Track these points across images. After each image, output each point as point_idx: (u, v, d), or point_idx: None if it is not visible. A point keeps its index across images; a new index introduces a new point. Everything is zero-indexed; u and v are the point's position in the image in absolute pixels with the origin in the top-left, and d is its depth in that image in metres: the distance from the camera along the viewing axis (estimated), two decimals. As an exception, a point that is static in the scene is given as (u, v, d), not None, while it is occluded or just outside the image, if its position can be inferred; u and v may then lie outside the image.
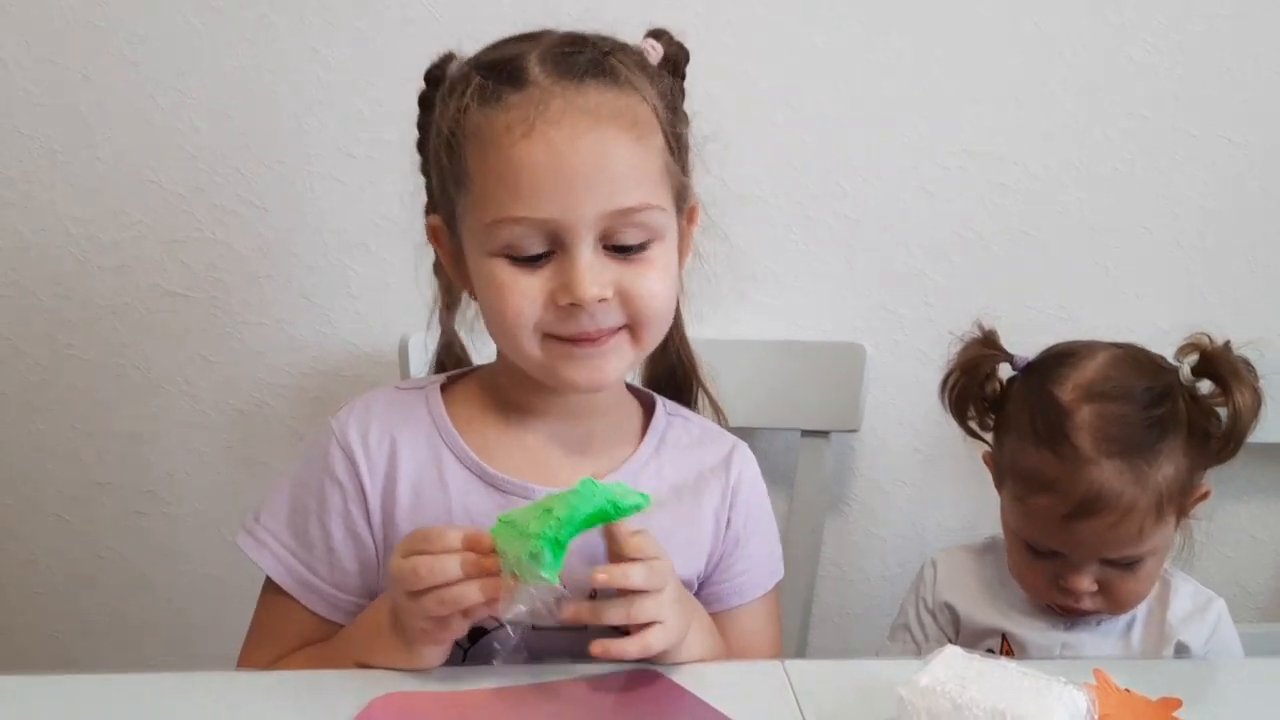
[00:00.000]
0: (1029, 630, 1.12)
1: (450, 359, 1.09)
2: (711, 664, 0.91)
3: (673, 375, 1.10)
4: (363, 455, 0.93)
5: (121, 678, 0.87)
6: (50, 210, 1.38)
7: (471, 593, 0.79)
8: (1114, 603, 1.06)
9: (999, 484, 1.13)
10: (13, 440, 1.48)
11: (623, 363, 0.91)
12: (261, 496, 0.98)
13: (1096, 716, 0.81)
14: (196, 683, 0.87)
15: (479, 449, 0.95)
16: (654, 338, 0.92)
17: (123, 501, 1.52)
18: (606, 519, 0.80)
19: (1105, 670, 0.88)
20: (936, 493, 1.58)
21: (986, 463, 1.17)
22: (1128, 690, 0.86)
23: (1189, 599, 1.13)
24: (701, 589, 1.01)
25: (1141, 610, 1.12)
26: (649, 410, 1.03)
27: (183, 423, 1.48)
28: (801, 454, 1.46)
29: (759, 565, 1.04)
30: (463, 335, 1.08)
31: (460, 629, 0.83)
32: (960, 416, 1.14)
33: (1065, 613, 1.09)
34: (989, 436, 1.15)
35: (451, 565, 0.80)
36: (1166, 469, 1.01)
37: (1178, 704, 0.84)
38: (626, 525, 0.84)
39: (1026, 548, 1.07)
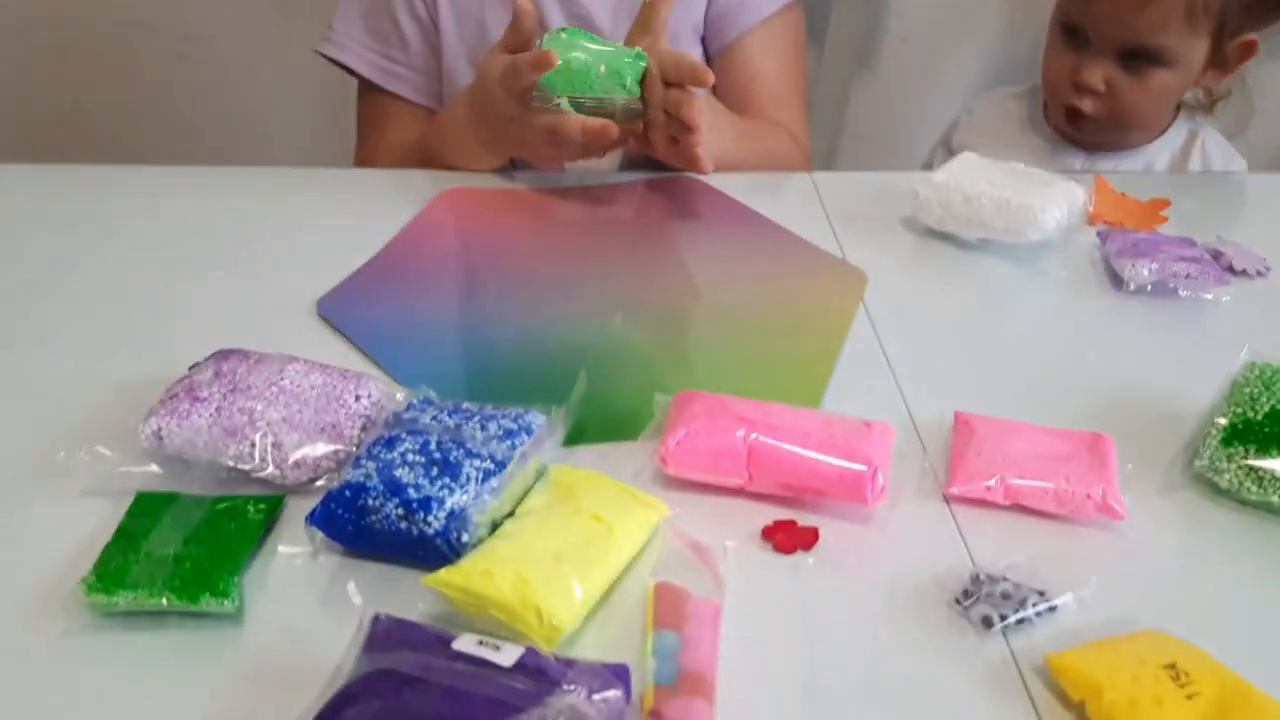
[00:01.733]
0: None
1: None
2: (746, 174, 0.98)
3: None
4: None
5: (191, 170, 0.96)
6: None
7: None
8: (1115, 108, 1.10)
9: None
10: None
11: None
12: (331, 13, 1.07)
13: (1090, 208, 0.90)
14: (272, 176, 0.96)
15: None
16: None
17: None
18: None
19: (1107, 180, 0.97)
20: (967, 50, 1.59)
21: None
22: (1123, 194, 0.95)
23: (1215, 152, 1.18)
24: (707, 24, 1.08)
25: (1163, 159, 1.18)
26: None
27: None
28: (834, 7, 1.46)
29: None
30: None
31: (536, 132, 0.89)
32: None
33: (1071, 121, 1.14)
34: None
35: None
36: None
37: (1166, 204, 0.93)
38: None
39: (1059, 31, 1.12)
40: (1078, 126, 1.14)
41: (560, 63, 0.83)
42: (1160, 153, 1.17)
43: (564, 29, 0.87)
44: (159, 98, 1.61)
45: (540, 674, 0.45)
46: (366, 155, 1.10)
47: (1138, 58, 1.07)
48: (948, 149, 1.27)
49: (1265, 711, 0.48)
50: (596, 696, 0.44)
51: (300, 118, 1.61)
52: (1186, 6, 1.03)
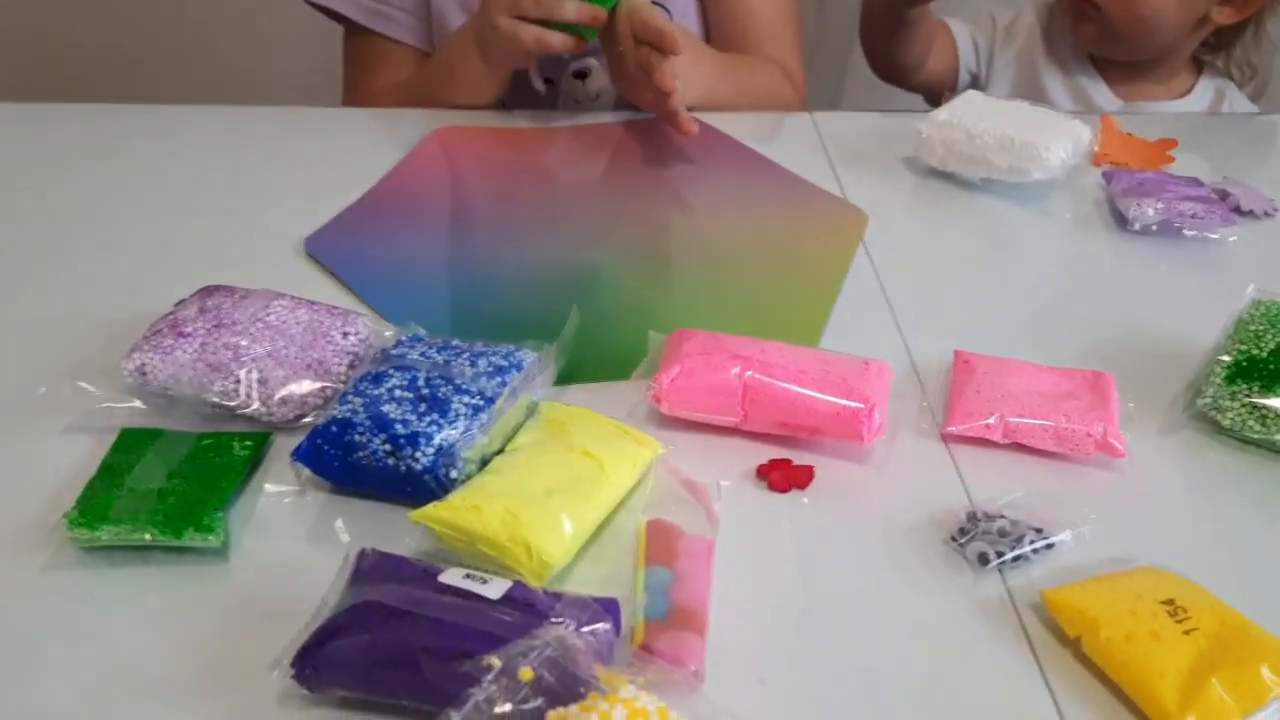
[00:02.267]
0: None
1: None
2: (747, 115, 0.97)
3: None
4: None
5: (181, 109, 0.94)
6: None
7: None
8: (1106, 24, 1.06)
9: None
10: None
11: None
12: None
13: (1096, 148, 0.88)
14: (260, 116, 0.95)
15: None
16: None
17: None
18: None
19: (1114, 119, 0.95)
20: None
21: None
22: (1130, 134, 0.93)
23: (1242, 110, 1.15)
24: None
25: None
26: None
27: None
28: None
29: None
30: None
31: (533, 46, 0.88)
32: None
33: (1077, 34, 1.11)
34: None
35: None
36: None
37: (1173, 144, 0.91)
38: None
39: None
40: (1082, 37, 1.10)
41: None
42: (1189, 110, 1.14)
43: None
44: (153, 41, 1.59)
45: (528, 606, 0.44)
46: (357, 93, 1.07)
47: None
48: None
49: (1264, 646, 0.48)
50: (585, 629, 0.43)
51: (293, 66, 1.59)
52: None
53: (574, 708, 0.39)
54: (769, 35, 1.09)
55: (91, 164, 0.85)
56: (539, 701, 0.39)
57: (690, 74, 0.90)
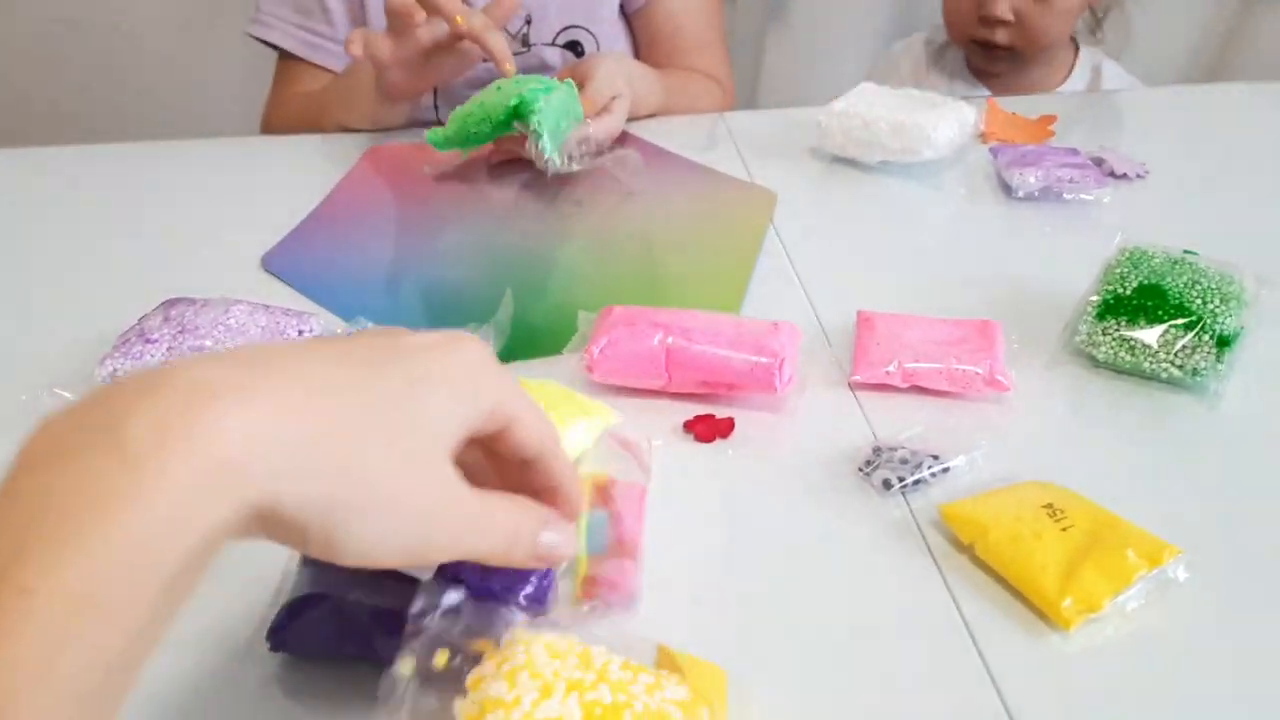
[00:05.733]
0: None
1: None
2: (671, 119, 1.04)
3: None
4: None
5: (108, 148, 0.99)
6: None
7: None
8: (1028, 35, 1.17)
9: None
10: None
11: None
12: None
13: (982, 128, 0.96)
14: (195, 150, 1.00)
15: None
16: None
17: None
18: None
19: (997, 102, 1.03)
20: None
21: None
22: (1013, 114, 1.01)
23: (1115, 82, 1.25)
24: None
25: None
26: None
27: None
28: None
29: None
30: None
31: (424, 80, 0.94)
32: None
33: (986, 55, 1.20)
34: None
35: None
36: None
37: (1053, 119, 1.00)
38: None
39: None
40: (991, 58, 1.19)
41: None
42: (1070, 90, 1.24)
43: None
44: (95, 84, 1.63)
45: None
46: (274, 104, 1.13)
47: None
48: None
49: (1130, 535, 0.54)
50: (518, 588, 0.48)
51: (232, 97, 1.64)
52: None
53: (489, 664, 0.42)
54: (697, 47, 1.16)
55: (55, 204, 0.90)
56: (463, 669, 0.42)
57: (639, 91, 0.98)
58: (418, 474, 0.37)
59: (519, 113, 0.83)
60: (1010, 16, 1.15)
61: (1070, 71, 1.23)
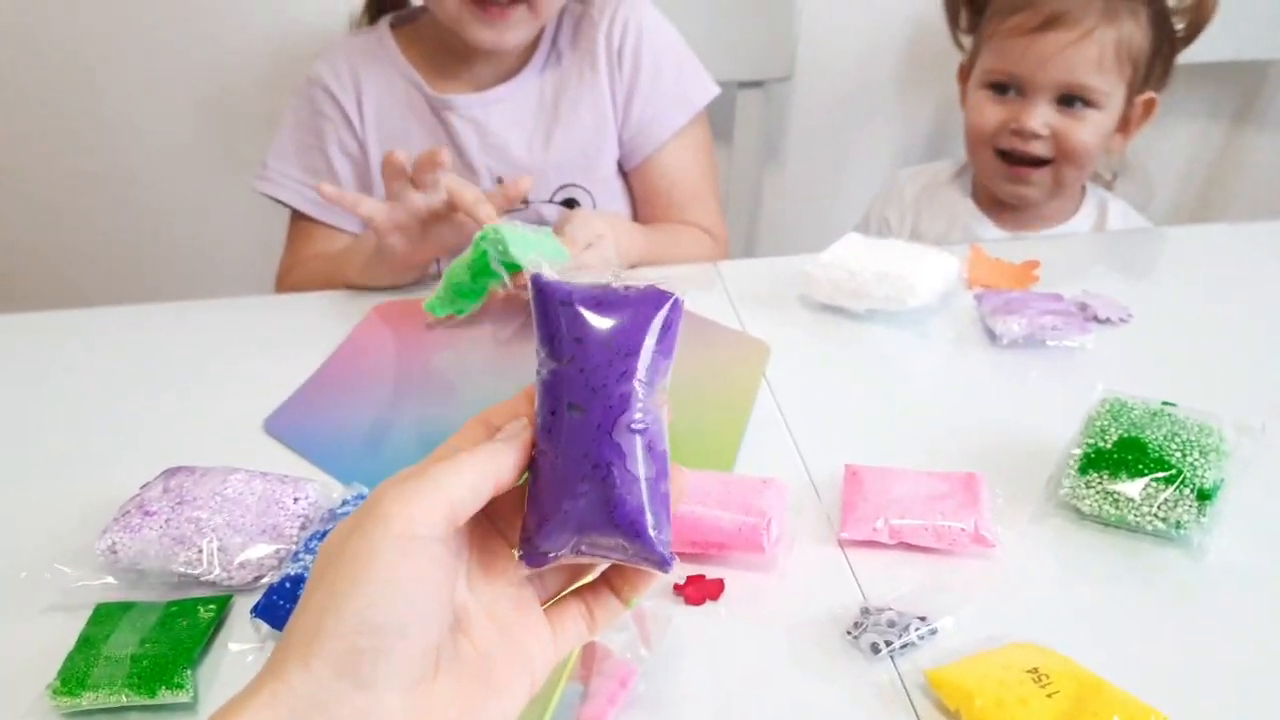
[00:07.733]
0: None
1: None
2: (656, 269, 1.07)
3: None
4: (339, 89, 1.14)
5: (141, 308, 1.02)
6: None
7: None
8: (1064, 150, 1.19)
9: (967, 75, 1.28)
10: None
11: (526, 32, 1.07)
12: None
13: (966, 275, 0.99)
14: (201, 311, 1.03)
15: (423, 73, 1.14)
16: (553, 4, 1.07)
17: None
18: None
19: (981, 248, 1.06)
20: (869, 136, 1.71)
21: (960, 78, 1.31)
22: (998, 259, 1.04)
23: (1121, 219, 1.29)
24: (622, 145, 1.18)
25: (1083, 230, 1.28)
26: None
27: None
28: (738, 107, 1.57)
29: (663, 99, 1.18)
30: None
31: (424, 250, 0.98)
32: (952, 19, 1.31)
33: (1016, 172, 1.22)
34: (968, 43, 1.30)
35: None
36: (1129, 25, 1.15)
37: (1036, 264, 1.02)
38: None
39: (987, 91, 1.22)
40: (1023, 177, 1.22)
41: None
42: (1080, 229, 1.28)
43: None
44: (105, 241, 1.69)
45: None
46: (289, 263, 1.17)
47: (1072, 101, 1.17)
48: (883, 219, 1.37)
49: (1115, 700, 0.54)
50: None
51: (244, 249, 1.69)
52: (1115, 45, 1.14)
53: None
54: (691, 200, 1.21)
55: (61, 368, 0.92)
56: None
57: (620, 239, 1.01)
58: None
59: (483, 240, 0.86)
60: (1046, 130, 1.18)
61: (1074, 214, 1.27)
